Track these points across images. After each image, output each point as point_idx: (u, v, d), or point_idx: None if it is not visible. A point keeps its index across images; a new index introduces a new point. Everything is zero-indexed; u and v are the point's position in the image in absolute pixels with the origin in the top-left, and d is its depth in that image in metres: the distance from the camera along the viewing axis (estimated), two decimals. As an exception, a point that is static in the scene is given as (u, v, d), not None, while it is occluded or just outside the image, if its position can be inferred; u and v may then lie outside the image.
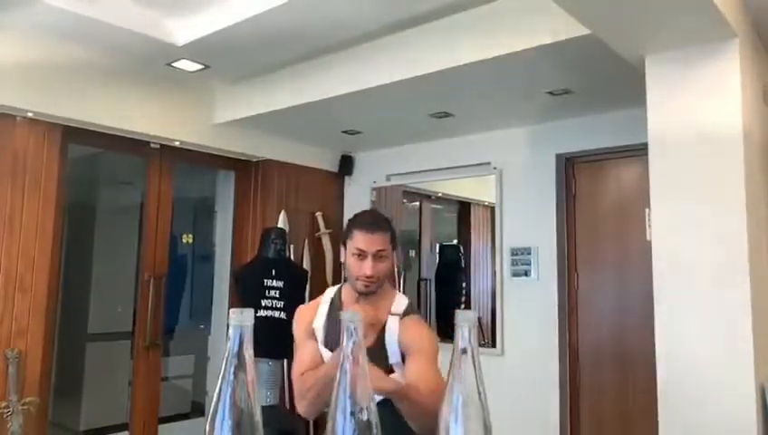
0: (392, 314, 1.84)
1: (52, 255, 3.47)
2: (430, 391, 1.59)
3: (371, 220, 1.86)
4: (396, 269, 4.85)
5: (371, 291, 1.82)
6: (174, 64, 3.58)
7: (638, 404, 3.55)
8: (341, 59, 3.52)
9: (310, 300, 3.97)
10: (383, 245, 1.82)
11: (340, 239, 1.97)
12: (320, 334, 1.89)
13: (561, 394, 3.80)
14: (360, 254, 1.80)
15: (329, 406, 1.97)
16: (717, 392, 2.20)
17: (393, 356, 1.80)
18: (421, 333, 1.81)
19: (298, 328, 1.96)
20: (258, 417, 0.79)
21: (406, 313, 1.85)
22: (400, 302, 1.88)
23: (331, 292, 2.00)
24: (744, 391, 2.15)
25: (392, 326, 1.82)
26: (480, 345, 0.86)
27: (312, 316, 1.94)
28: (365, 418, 0.81)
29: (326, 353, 1.86)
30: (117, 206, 4.93)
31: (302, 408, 1.81)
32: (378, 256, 1.80)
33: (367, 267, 1.79)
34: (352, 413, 0.81)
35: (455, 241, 5.35)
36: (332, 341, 1.82)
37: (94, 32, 3.18)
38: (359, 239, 1.81)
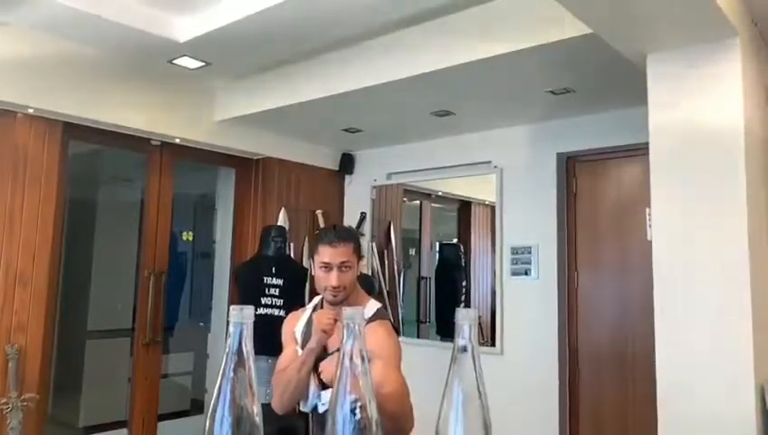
0: None
1: (53, 251, 3.47)
2: (390, 394, 1.71)
3: (335, 235, 1.98)
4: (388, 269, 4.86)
5: (339, 300, 1.93)
6: (175, 61, 3.57)
7: (637, 403, 3.55)
8: (342, 57, 3.52)
9: (309, 298, 4.01)
10: (347, 256, 1.94)
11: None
12: (299, 338, 2.02)
13: (560, 393, 3.81)
14: (326, 266, 1.94)
15: (298, 404, 2.00)
16: (717, 392, 2.20)
17: None
18: (382, 338, 1.89)
19: (284, 333, 2.10)
20: (258, 414, 0.79)
21: (372, 319, 1.93)
22: (370, 308, 1.98)
23: (316, 299, 2.12)
24: (744, 391, 2.15)
25: None
26: (479, 344, 0.86)
27: (293, 324, 2.09)
28: (365, 415, 0.81)
29: None
30: (117, 202, 4.92)
31: (273, 403, 1.96)
32: (342, 268, 1.93)
33: (333, 278, 1.92)
34: (352, 411, 0.81)
35: (455, 240, 5.35)
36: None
37: (96, 28, 3.18)
38: (324, 253, 1.94)
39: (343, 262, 1.93)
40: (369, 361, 1.84)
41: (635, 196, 3.65)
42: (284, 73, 3.81)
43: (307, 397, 1.93)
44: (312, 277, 2.04)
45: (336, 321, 1.82)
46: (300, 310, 2.16)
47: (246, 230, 4.65)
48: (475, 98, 3.63)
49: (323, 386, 1.91)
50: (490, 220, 4.39)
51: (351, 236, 2.04)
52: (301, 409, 1.98)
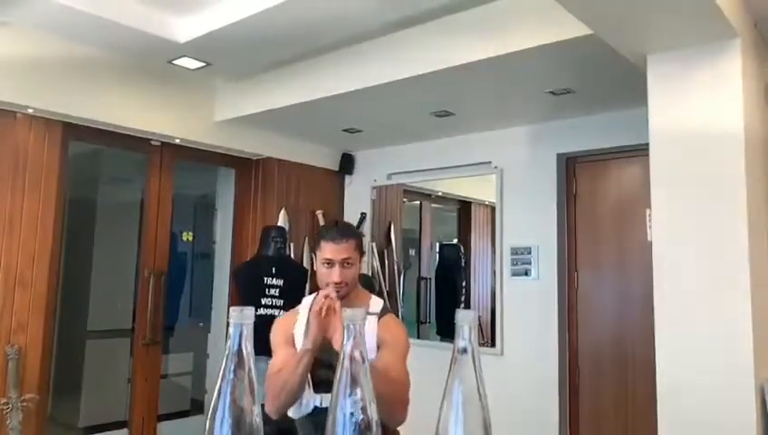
0: (369, 314, 1.92)
1: (52, 251, 3.47)
2: (393, 379, 1.76)
3: (337, 231, 1.98)
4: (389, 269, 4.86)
5: (341, 296, 1.92)
6: (175, 62, 3.57)
7: (637, 404, 3.55)
8: (342, 57, 3.52)
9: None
10: (349, 253, 1.95)
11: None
12: (299, 340, 1.95)
13: (560, 394, 3.81)
14: (328, 262, 1.95)
15: (290, 406, 1.96)
16: (717, 393, 2.20)
17: (368, 353, 1.86)
18: (395, 330, 1.96)
19: (275, 337, 2.03)
20: (258, 415, 0.79)
21: (383, 313, 1.99)
22: (376, 303, 2.04)
23: (308, 300, 2.09)
24: (744, 392, 2.15)
25: (368, 325, 1.86)
26: (480, 345, 0.86)
27: (288, 326, 2.04)
28: (365, 417, 0.81)
29: None
30: (117, 203, 4.92)
31: (267, 407, 1.88)
32: (345, 264, 1.94)
33: (335, 274, 1.93)
34: (352, 413, 0.81)
35: (455, 240, 5.35)
36: None
37: (96, 29, 3.18)
38: (326, 249, 1.95)
39: (345, 258, 1.93)
40: (379, 348, 1.86)
41: (635, 196, 3.65)
42: (284, 73, 3.81)
43: (300, 402, 1.90)
44: (313, 276, 2.04)
45: (329, 308, 1.80)
46: (291, 312, 2.11)
47: (246, 230, 4.65)
48: (475, 98, 3.63)
49: (318, 388, 1.90)
50: (490, 220, 4.39)
51: (354, 233, 2.04)
52: (290, 415, 1.93)
